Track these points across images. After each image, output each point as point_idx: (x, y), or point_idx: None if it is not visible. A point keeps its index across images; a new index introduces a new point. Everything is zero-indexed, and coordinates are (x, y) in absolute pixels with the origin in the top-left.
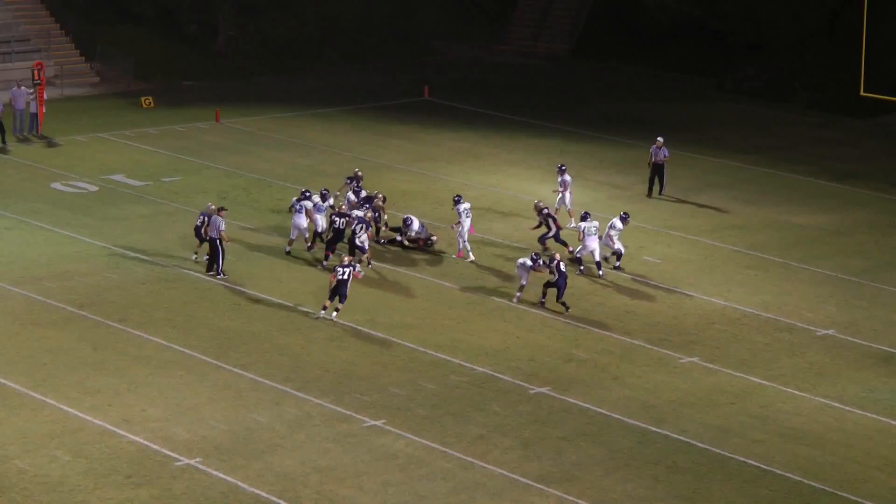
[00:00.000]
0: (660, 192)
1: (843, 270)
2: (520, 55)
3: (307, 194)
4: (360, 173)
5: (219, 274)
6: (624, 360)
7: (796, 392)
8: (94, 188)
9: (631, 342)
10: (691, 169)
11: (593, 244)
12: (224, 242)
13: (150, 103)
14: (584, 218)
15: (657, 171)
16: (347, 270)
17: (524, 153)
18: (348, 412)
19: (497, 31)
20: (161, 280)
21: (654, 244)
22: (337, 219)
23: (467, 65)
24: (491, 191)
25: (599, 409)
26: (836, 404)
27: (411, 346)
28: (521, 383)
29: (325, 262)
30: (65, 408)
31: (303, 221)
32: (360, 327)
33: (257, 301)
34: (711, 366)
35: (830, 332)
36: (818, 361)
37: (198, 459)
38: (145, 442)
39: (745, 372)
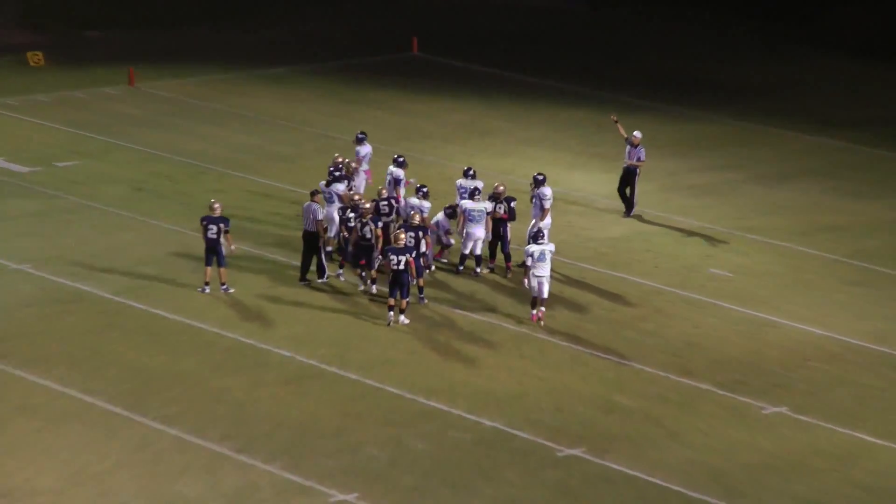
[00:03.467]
0: (628, 212)
1: None
2: None
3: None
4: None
5: (322, 278)
6: (684, 410)
7: None
8: None
9: (694, 385)
10: (774, 150)
11: (479, 232)
12: (324, 237)
13: (39, 60)
14: (471, 195)
15: (628, 178)
16: (403, 258)
17: (547, 128)
18: (309, 483)
19: None
20: (56, 301)
21: (725, 252)
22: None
23: (469, 8)
24: (502, 178)
25: (651, 478)
26: None
27: (394, 390)
28: (545, 442)
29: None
30: None
31: (333, 211)
32: (325, 365)
33: (185, 330)
34: (804, 418)
35: None
36: None
37: None
38: None
39: (850, 426)
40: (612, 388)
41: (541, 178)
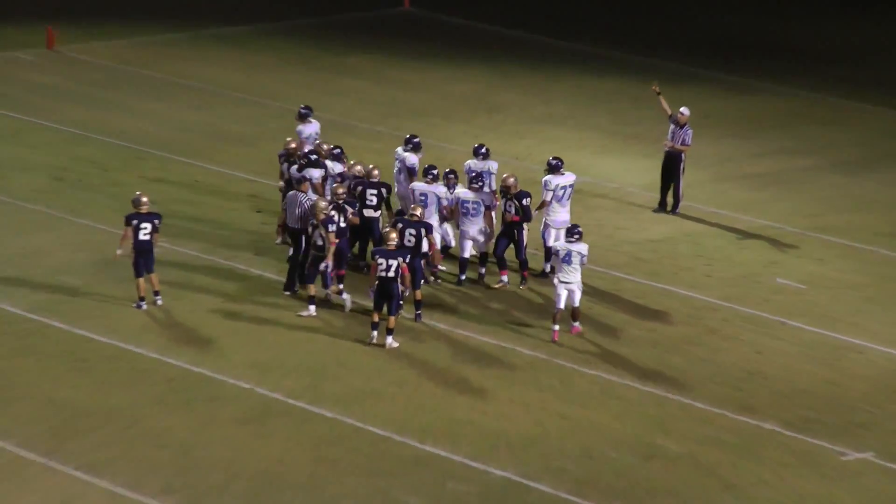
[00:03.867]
0: (673, 208)
1: None
2: None
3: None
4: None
5: (291, 290)
6: (745, 456)
7: None
8: None
9: (757, 425)
10: (858, 130)
11: (475, 231)
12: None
13: None
14: (471, 182)
15: (670, 165)
16: (394, 263)
17: (572, 103)
18: None
19: None
20: None
21: (795, 258)
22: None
23: None
24: (515, 166)
25: None
26: None
27: (380, 431)
28: (569, 497)
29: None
30: None
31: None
32: (293, 400)
33: (118, 355)
34: (894, 466)
35: None
36: None
37: None
38: None
39: None
40: (654, 429)
41: (554, 162)
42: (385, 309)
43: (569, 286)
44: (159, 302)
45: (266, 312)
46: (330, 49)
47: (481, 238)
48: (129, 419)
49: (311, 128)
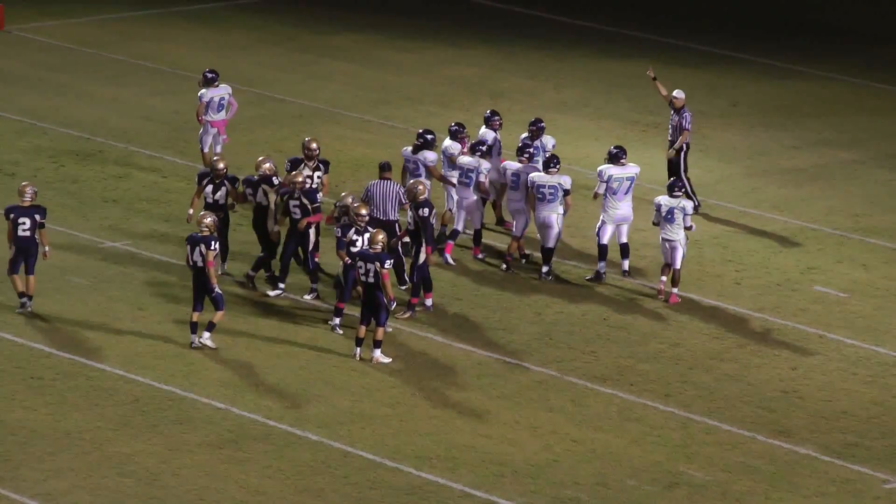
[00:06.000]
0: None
1: None
2: None
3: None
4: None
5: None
6: (778, 485)
7: None
8: None
9: (792, 450)
10: None
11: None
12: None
13: None
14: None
15: (674, 159)
16: (372, 267)
17: (586, 88)
18: None
19: None
20: None
21: (834, 262)
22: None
23: None
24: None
25: None
26: None
27: (370, 457)
28: None
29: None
30: None
31: None
32: (273, 422)
33: (76, 371)
34: None
35: None
36: None
37: None
38: None
39: None
40: (677, 454)
41: (615, 151)
42: (369, 322)
43: (671, 243)
44: (28, 307)
45: (241, 324)
46: (312, 27)
47: (555, 228)
48: (90, 443)
49: (217, 91)
